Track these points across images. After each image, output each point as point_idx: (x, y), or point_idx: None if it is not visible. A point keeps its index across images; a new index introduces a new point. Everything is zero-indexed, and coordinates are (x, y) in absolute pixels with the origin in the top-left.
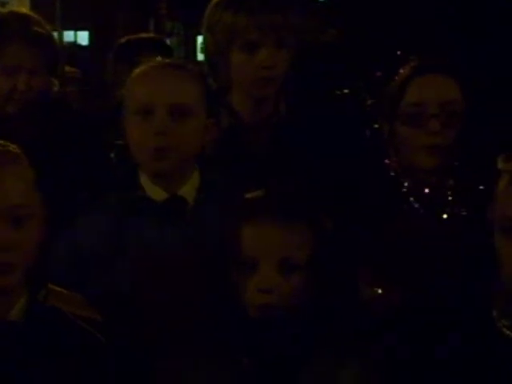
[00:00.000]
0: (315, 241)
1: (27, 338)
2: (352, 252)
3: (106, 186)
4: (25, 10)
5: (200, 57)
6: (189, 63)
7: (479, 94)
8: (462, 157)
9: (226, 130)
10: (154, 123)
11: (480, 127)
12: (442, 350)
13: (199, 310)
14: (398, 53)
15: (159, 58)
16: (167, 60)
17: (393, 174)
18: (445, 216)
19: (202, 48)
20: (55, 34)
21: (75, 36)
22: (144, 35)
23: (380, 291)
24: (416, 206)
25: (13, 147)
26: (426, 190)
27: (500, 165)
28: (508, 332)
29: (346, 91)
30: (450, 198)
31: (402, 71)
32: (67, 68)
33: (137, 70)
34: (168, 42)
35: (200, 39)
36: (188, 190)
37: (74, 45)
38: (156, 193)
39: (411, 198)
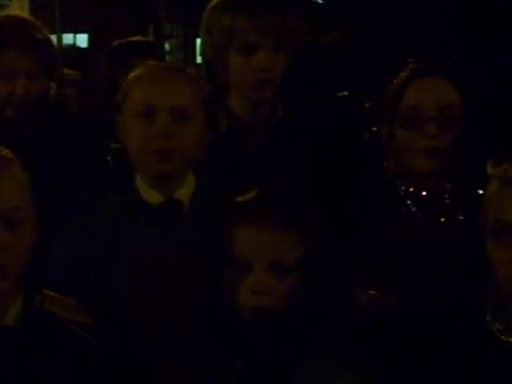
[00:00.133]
0: (308, 243)
1: (22, 342)
2: (347, 255)
3: (104, 189)
4: (22, 14)
5: (199, 59)
6: (186, 66)
7: (478, 97)
8: (461, 160)
9: (224, 132)
10: (155, 125)
11: (479, 130)
12: (437, 355)
13: (194, 312)
14: (398, 56)
15: (153, 62)
16: (164, 63)
17: (390, 177)
18: (442, 220)
19: (201, 50)
20: (54, 36)
21: (74, 39)
22: (135, 38)
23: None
24: (413, 209)
25: (6, 152)
26: (424, 193)
27: (489, 170)
28: (502, 336)
29: (345, 93)
30: (447, 202)
31: (401, 74)
32: (66, 70)
33: (134, 73)
34: (167, 44)
35: (199, 42)
36: (184, 193)
37: (74, 47)
38: (152, 196)
39: (408, 202)
